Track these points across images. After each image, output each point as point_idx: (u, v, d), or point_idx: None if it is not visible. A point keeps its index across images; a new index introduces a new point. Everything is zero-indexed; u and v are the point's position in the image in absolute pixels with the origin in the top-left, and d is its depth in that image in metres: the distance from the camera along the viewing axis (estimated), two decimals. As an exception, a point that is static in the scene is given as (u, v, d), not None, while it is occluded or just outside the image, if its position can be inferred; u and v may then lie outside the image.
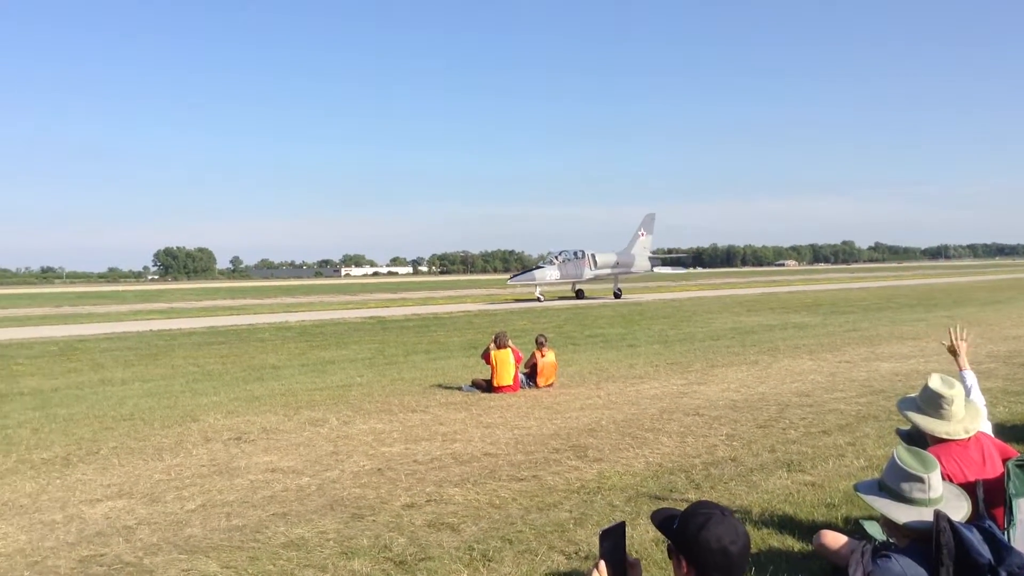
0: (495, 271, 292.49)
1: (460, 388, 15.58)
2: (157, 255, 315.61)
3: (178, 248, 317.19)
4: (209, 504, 8.30)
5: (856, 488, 4.19)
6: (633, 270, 60.46)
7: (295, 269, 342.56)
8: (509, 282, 59.14)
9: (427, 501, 8.21)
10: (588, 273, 57.12)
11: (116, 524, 7.69)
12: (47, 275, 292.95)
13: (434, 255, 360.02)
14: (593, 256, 57.28)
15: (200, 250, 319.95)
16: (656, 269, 63.57)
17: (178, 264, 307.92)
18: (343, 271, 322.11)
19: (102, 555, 6.83)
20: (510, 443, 10.87)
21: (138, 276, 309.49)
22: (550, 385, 15.57)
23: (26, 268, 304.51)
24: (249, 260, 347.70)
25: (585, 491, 8.41)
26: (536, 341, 15.77)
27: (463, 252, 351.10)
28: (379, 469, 9.57)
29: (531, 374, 15.55)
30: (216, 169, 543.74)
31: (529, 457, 10.01)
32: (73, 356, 24.60)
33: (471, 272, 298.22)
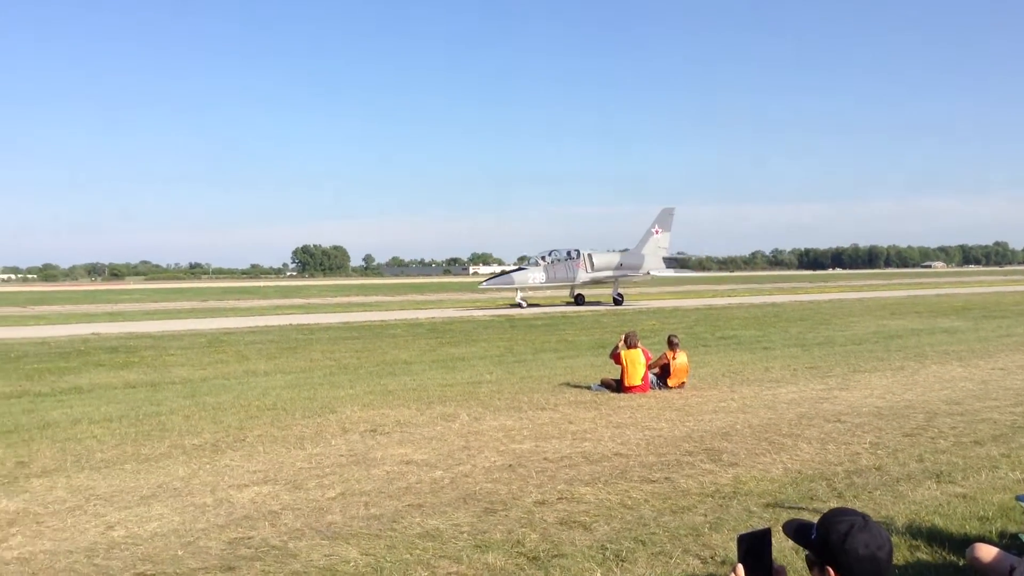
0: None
1: (589, 387, 15.51)
2: (295, 253, 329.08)
3: (315, 246, 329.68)
4: (348, 493, 8.55)
5: (1019, 499, 3.92)
6: (641, 273, 53.52)
7: (424, 267, 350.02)
8: (482, 286, 51.65)
9: (558, 499, 8.20)
10: (583, 276, 50.94)
11: (262, 509, 8.03)
12: (195, 271, 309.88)
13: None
14: (590, 256, 51.04)
15: (335, 248, 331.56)
16: (654, 272, 54.35)
17: (314, 261, 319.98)
18: (471, 269, 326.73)
19: (250, 538, 7.14)
20: (641, 444, 10.74)
21: (278, 272, 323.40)
22: (681, 386, 15.30)
23: (176, 264, 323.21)
24: (381, 258, 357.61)
25: (720, 495, 8.21)
26: (668, 341, 15.52)
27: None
28: (510, 465, 9.63)
29: (661, 375, 15.32)
30: (351, 169, 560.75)
31: (661, 459, 9.86)
32: (220, 348, 25.88)
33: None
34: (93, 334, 31.92)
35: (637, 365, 14.85)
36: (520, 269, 50.91)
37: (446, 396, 14.98)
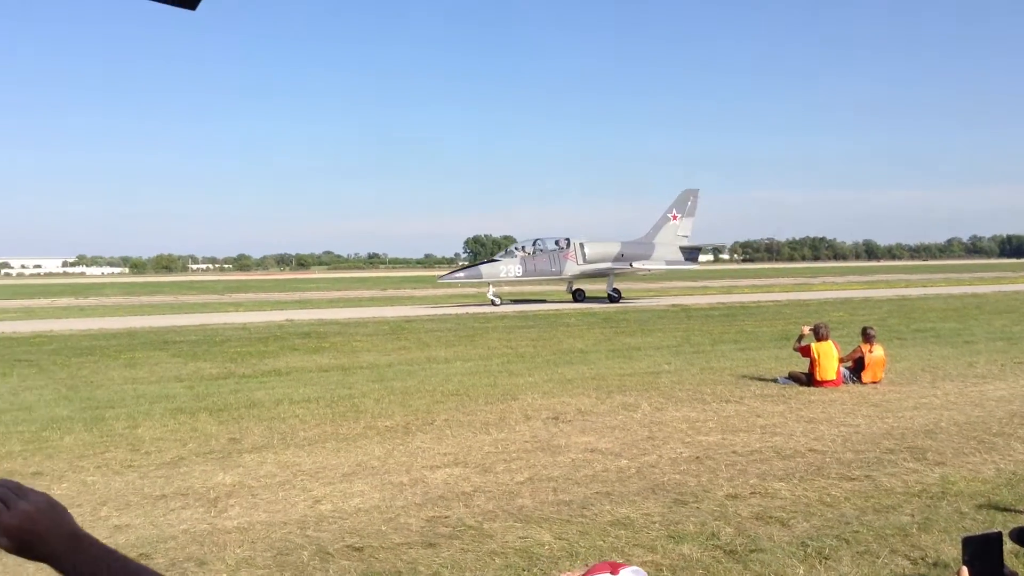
0: (803, 259, 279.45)
1: (775, 380, 14.99)
2: (467, 242, 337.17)
3: (485, 236, 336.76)
4: (536, 478, 8.67)
5: None
6: (651, 265, 45.93)
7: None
8: (440, 279, 46.66)
9: (751, 493, 7.98)
10: (572, 268, 44.24)
11: (455, 490, 8.28)
12: (373, 260, 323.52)
13: (736, 242, 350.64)
14: (582, 246, 44.21)
15: (505, 237, 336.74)
16: (670, 265, 46.71)
17: (485, 251, 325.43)
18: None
19: (446, 517, 7.37)
20: (836, 440, 10.28)
21: (450, 262, 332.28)
22: (877, 382, 14.49)
23: (355, 254, 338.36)
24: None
25: (927, 495, 7.74)
26: (864, 333, 14.75)
27: (768, 239, 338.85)
28: (697, 457, 9.46)
29: (855, 368, 14.59)
30: (520, 158, 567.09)
31: (859, 456, 9.39)
32: (402, 335, 26.91)
33: (776, 260, 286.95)
34: (287, 320, 33.97)
35: (830, 358, 14.20)
36: (491, 260, 44.61)
37: (625, 386, 14.90)
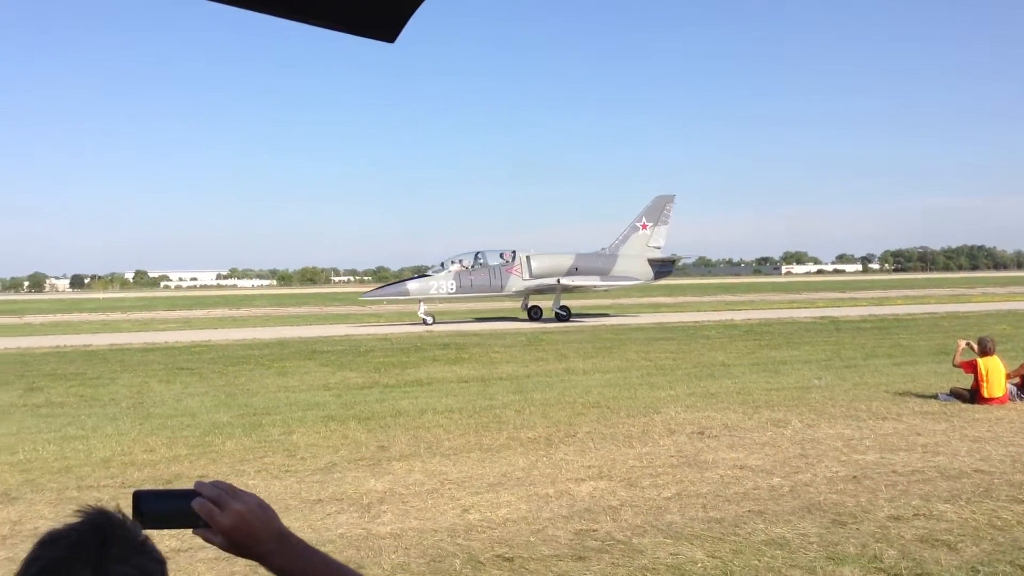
0: (959, 269, 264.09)
1: (936, 397, 14.17)
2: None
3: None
4: (684, 494, 8.50)
5: None
6: (612, 280, 42.15)
7: (732, 267, 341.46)
8: (363, 297, 43.80)
9: (914, 515, 7.56)
10: (517, 284, 40.73)
11: (601, 503, 8.22)
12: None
13: (887, 251, 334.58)
14: (528, 259, 40.65)
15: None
16: (636, 280, 43.00)
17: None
18: (783, 268, 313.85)
19: (594, 530, 7.33)
20: (1006, 460, 9.63)
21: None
22: (1050, 399, 13.49)
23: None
24: (687, 257, 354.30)
25: (1118, 524, 7.12)
26: (1032, 348, 13.78)
27: (921, 248, 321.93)
28: (854, 476, 9.05)
29: (1023, 385, 13.63)
30: (678, 168, 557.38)
31: (1034, 478, 8.76)
32: (539, 346, 27.04)
33: (931, 270, 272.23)
34: (427, 332, 34.78)
35: (997, 374, 13.31)
36: (420, 276, 41.63)
37: (772, 401, 14.44)
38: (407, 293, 40.03)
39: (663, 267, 44.51)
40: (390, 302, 43.80)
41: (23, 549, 6.26)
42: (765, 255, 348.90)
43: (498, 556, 6.69)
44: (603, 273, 41.98)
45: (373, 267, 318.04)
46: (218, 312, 61.33)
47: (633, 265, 42.78)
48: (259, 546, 1.72)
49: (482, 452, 10.78)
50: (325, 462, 10.45)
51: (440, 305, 43.83)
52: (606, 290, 44.59)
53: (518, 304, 44.18)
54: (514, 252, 41.20)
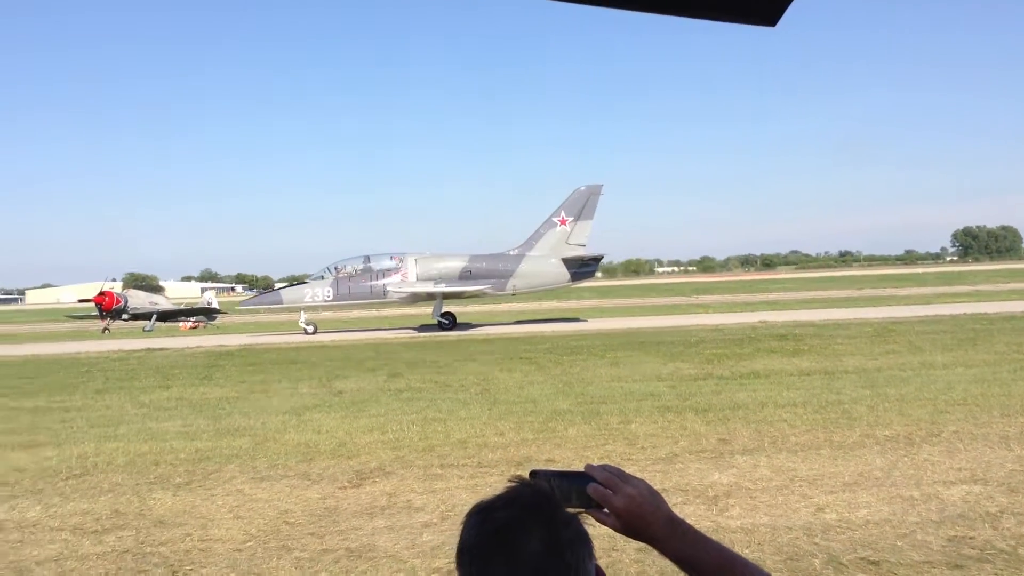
0: None
1: None
2: (955, 235, 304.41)
3: (978, 227, 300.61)
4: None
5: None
6: (518, 282, 38.32)
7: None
8: (240, 306, 41.98)
9: None
10: (402, 288, 37.47)
11: (977, 509, 7.43)
12: (845, 258, 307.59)
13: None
14: (416, 263, 38.00)
15: (1003, 228, 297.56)
16: (550, 281, 38.74)
17: (978, 244, 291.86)
18: None
19: (970, 537, 6.65)
20: None
21: (935, 257, 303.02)
22: None
23: (825, 252, 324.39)
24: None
25: None
26: None
27: None
28: None
29: None
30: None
31: None
32: (888, 338, 25.04)
33: None
34: (760, 322, 33.68)
35: None
36: (296, 284, 39.46)
37: None
38: (280, 301, 38.93)
39: (583, 267, 40.21)
40: (268, 311, 43.04)
41: (400, 520, 6.95)
42: None
43: (861, 559, 6.29)
44: (503, 276, 39.05)
45: (697, 257, 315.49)
46: (589, 303, 63.92)
47: (541, 267, 39.35)
48: (651, 530, 1.78)
49: (833, 449, 10.21)
50: (666, 452, 10.50)
51: (323, 313, 42.77)
52: (512, 294, 40.88)
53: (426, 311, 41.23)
54: (401, 255, 39.18)
